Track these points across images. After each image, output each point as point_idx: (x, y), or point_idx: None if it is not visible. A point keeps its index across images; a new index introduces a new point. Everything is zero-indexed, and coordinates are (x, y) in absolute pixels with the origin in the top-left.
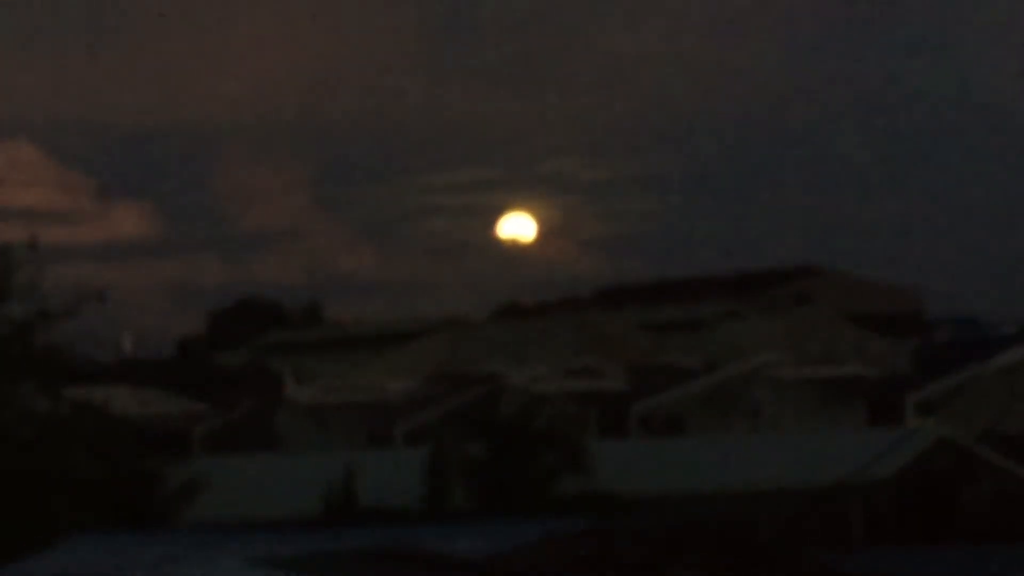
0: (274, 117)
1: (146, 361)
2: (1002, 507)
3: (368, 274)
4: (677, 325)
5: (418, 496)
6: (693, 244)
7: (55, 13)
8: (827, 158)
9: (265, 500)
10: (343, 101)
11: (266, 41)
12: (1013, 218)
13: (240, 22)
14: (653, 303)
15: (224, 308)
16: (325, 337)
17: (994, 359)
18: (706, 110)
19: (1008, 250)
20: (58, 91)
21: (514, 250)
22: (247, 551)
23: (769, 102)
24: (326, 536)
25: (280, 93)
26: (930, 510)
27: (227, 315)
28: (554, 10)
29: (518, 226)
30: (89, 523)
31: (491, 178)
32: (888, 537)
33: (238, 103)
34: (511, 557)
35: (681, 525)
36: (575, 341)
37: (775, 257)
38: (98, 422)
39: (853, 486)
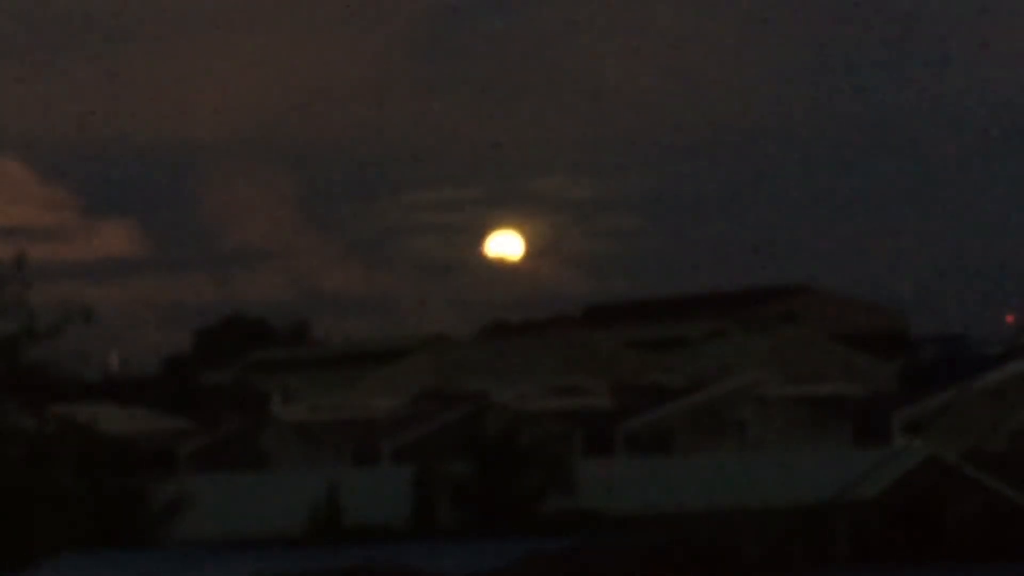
0: (261, 135)
1: (132, 379)
2: (988, 526)
3: (355, 292)
4: (663, 344)
5: (404, 514)
6: (680, 263)
7: (41, 30)
8: (814, 177)
9: (251, 518)
10: (330, 119)
11: (252, 59)
12: (1000, 237)
13: (226, 41)
14: (640, 322)
15: (211, 326)
16: (311, 355)
17: (980, 378)
18: (694, 130)
19: (994, 269)
20: (44, 109)
21: (501, 268)
22: (232, 569)
23: (757, 122)
24: (311, 554)
25: (267, 111)
26: (916, 529)
27: (213, 333)
28: (542, 29)
29: (505, 244)
30: (75, 541)
31: (478, 196)
32: (874, 556)
33: (225, 121)
34: (496, 575)
35: (667, 543)
36: (561, 359)
37: (762, 276)
38: (84, 440)
39: (839, 505)
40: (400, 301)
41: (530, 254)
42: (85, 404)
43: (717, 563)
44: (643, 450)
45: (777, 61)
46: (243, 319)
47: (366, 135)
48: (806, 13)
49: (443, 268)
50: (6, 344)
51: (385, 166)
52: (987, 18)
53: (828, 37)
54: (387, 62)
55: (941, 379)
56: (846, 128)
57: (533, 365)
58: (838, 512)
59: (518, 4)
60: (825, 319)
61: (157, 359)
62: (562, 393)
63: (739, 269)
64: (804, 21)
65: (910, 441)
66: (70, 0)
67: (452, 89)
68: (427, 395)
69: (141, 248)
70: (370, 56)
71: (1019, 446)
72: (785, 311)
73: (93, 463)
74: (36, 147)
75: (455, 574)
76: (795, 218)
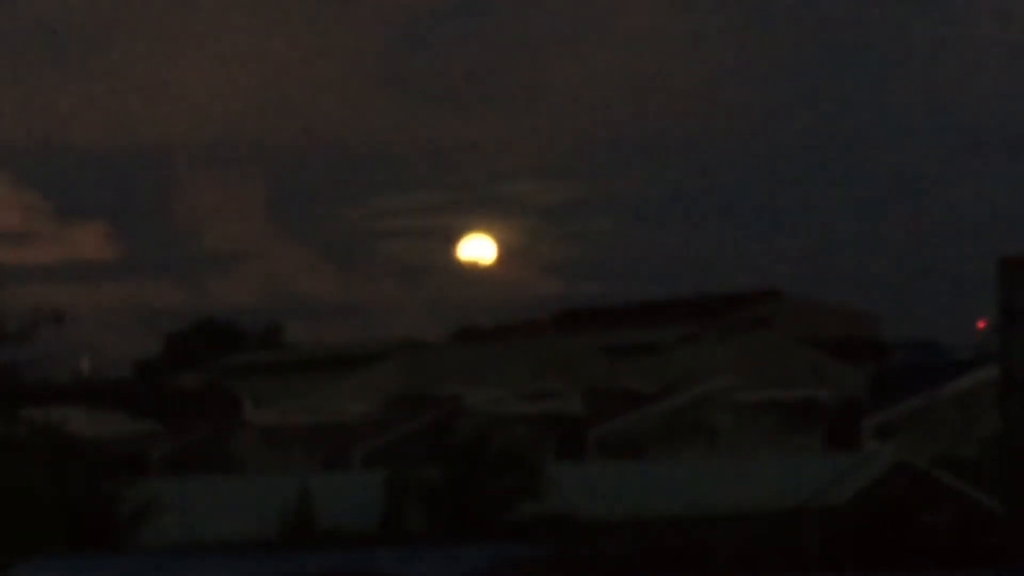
0: (232, 138)
1: (103, 382)
2: (958, 531)
3: (327, 296)
4: (635, 349)
5: (375, 519)
6: (651, 268)
7: (11, 34)
8: (787, 182)
9: (222, 522)
10: (302, 122)
11: (224, 62)
12: (971, 244)
13: (198, 44)
14: (611, 326)
15: (182, 330)
16: (283, 359)
17: (951, 384)
18: (667, 133)
19: (965, 275)
20: (14, 112)
21: (473, 272)
22: (203, 574)
23: (729, 125)
24: (282, 559)
25: (238, 114)
26: (887, 534)
27: (185, 337)
28: (513, 32)
29: (477, 248)
30: (46, 545)
31: (450, 200)
32: (844, 561)
33: (196, 124)
34: None
35: (638, 549)
36: (533, 364)
37: (733, 281)
38: (55, 443)
39: (810, 510)
40: (372, 305)
41: (502, 258)
42: (56, 407)
43: (687, 568)
44: (615, 455)
45: (749, 64)
46: (215, 323)
47: (338, 139)
48: (778, 16)
49: (415, 272)
50: None
51: (357, 170)
52: (960, 23)
53: (800, 40)
54: (359, 66)
55: (912, 385)
56: (819, 133)
57: (505, 370)
58: (808, 517)
59: (489, 8)
60: (796, 324)
61: (128, 363)
62: (534, 398)
63: (711, 274)
64: (776, 24)
65: (880, 446)
66: (41, 4)
67: (424, 93)
68: (399, 399)
69: (112, 251)
70: (342, 61)
71: (989, 452)
72: (756, 316)
73: (64, 466)
74: (6, 150)
75: None
76: (767, 223)
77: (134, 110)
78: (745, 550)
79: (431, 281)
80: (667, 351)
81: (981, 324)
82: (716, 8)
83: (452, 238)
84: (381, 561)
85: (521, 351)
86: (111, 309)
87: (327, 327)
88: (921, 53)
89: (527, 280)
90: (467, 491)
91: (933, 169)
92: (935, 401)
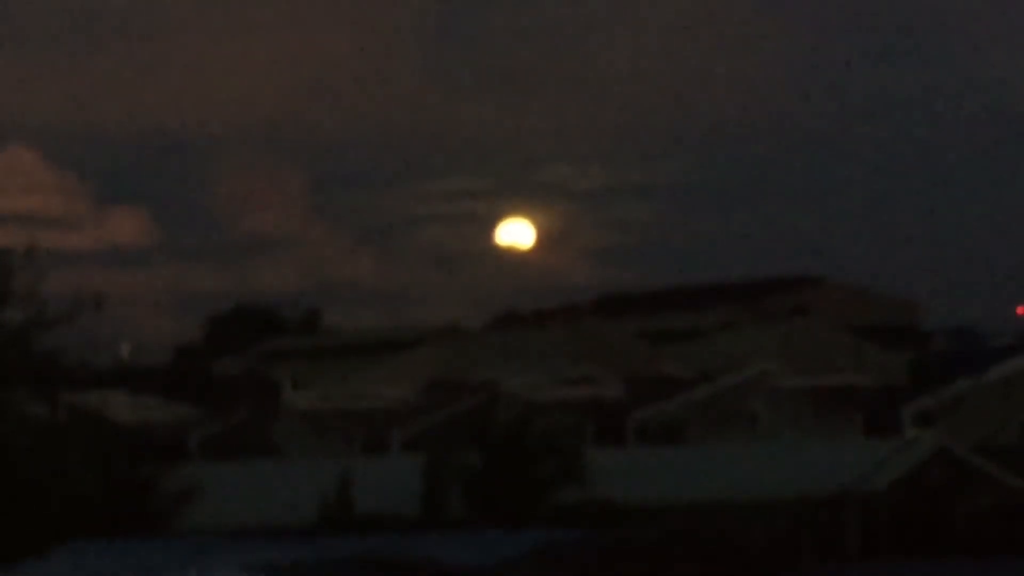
0: (271, 124)
1: (143, 367)
2: (999, 518)
3: (365, 281)
4: (675, 334)
5: (414, 504)
6: (691, 253)
7: (51, 18)
8: (825, 168)
9: (261, 507)
10: (340, 108)
11: (262, 48)
12: (1010, 229)
13: (236, 29)
14: (651, 312)
15: (221, 315)
16: (322, 345)
17: (991, 370)
18: (704, 118)
19: (1005, 261)
20: (54, 96)
21: (512, 258)
22: (243, 558)
23: (767, 111)
24: (322, 544)
25: (277, 100)
26: (927, 521)
27: (224, 322)
28: (551, 18)
29: (516, 233)
30: (86, 529)
31: (489, 185)
32: (885, 548)
33: (234, 110)
34: (507, 567)
35: (677, 535)
36: (572, 350)
37: (773, 267)
38: (95, 428)
39: (850, 497)
40: (411, 290)
41: (541, 243)
42: (96, 392)
43: (727, 554)
44: (654, 441)
45: (790, 51)
46: (254, 308)
47: (377, 125)
48: (816, 5)
49: (454, 257)
50: (18, 332)
51: (396, 155)
52: (999, 6)
53: (842, 26)
54: (398, 52)
55: (952, 371)
56: (858, 119)
57: (544, 355)
58: (848, 504)
59: None
60: (836, 310)
61: (168, 347)
62: (573, 383)
63: (751, 260)
64: (818, 10)
65: (920, 433)
66: None
67: (462, 79)
68: (437, 385)
69: (152, 237)
70: (381, 46)
71: None
72: (796, 302)
73: (104, 451)
74: (47, 135)
75: (469, 565)
76: (807, 209)
77: (174, 96)
78: (785, 536)
79: (470, 266)
80: (707, 337)
81: (1021, 310)
82: None
83: (491, 223)
84: (420, 546)
85: (560, 336)
86: (151, 294)
87: (366, 312)
88: (968, 40)
89: (566, 265)
90: (506, 477)
91: (974, 155)
92: (975, 388)
